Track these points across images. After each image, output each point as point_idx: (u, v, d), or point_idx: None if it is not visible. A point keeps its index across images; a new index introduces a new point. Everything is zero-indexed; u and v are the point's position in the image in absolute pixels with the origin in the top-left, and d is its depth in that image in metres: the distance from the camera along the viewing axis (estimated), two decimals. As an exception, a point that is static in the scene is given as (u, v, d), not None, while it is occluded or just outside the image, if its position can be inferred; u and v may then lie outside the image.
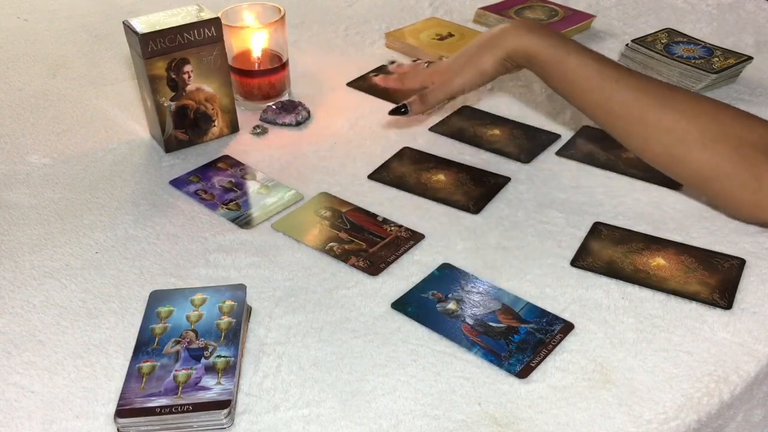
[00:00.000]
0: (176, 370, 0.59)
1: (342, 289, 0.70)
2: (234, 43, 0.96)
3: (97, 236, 0.77)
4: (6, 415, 0.58)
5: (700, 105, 0.70)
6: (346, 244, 0.75)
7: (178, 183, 0.85)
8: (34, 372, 0.62)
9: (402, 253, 0.74)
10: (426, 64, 0.85)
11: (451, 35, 1.14)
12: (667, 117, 0.69)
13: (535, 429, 0.56)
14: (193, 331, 0.63)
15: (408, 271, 0.72)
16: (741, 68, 1.03)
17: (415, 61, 1.00)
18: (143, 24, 0.84)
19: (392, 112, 0.83)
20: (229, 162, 0.88)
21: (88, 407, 0.58)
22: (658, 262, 0.72)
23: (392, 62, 0.98)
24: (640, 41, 1.07)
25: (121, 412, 0.56)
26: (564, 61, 0.73)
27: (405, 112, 0.82)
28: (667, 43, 1.06)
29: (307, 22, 1.24)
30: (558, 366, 0.61)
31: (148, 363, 0.60)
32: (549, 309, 0.67)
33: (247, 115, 0.97)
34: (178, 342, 0.62)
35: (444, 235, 0.76)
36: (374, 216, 0.79)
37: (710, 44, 1.07)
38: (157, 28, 0.83)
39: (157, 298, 0.66)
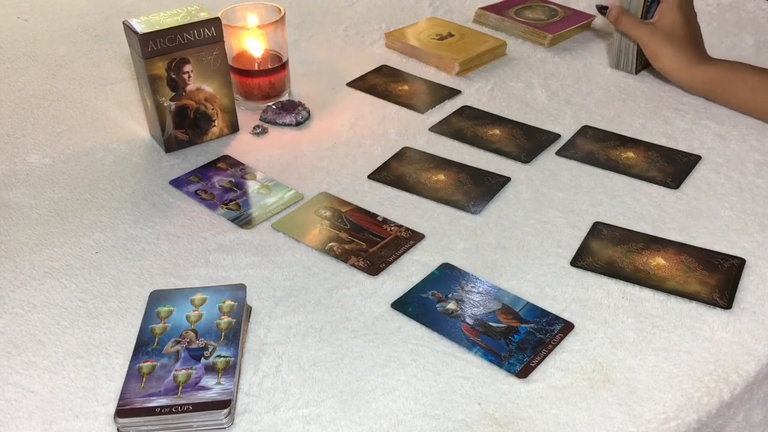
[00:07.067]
0: (176, 370, 0.59)
1: (342, 289, 0.70)
2: (234, 43, 0.96)
3: (97, 236, 0.77)
4: (6, 415, 0.58)
5: None
6: (346, 244, 0.75)
7: (178, 183, 0.85)
8: (34, 372, 0.62)
9: (402, 253, 0.74)
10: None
11: (451, 35, 1.14)
12: None
13: (535, 429, 0.56)
14: (193, 331, 0.63)
15: (408, 271, 0.72)
16: None
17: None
18: (143, 24, 0.84)
19: (598, 7, 1.03)
20: (229, 162, 0.88)
21: (88, 407, 0.58)
22: (658, 261, 0.72)
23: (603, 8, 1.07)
24: None
25: (121, 412, 0.56)
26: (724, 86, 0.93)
27: (604, 14, 1.01)
28: None
29: (307, 22, 1.24)
30: (558, 366, 0.61)
31: (148, 363, 0.60)
32: (549, 309, 0.67)
33: (247, 115, 0.97)
34: (178, 342, 0.62)
35: (444, 235, 0.76)
36: (374, 216, 0.79)
37: None
38: (157, 28, 0.83)
39: (157, 298, 0.66)
